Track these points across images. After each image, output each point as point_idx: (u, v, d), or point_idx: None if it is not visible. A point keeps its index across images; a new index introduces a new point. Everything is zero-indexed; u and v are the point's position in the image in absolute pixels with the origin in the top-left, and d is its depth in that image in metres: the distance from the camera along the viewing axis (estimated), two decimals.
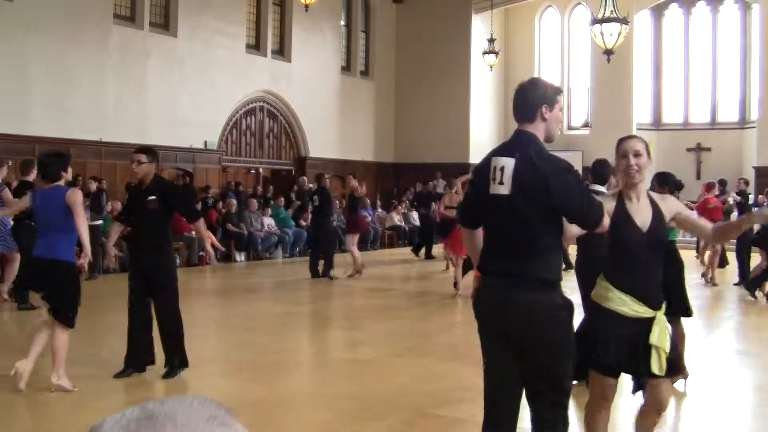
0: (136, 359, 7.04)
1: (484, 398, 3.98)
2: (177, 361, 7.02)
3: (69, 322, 6.50)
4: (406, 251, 20.86)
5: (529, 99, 3.82)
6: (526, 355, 3.72)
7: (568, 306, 3.72)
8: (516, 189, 3.64)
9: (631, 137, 4.33)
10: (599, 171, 7.14)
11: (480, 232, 4.00)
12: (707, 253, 15.22)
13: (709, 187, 15.04)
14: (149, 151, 7.13)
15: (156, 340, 7.10)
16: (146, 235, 7.05)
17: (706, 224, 4.37)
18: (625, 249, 4.13)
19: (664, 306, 4.13)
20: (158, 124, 18.58)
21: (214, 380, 7.20)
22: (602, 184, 7.02)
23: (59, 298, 6.51)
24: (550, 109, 3.80)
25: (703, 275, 14.73)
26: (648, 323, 4.04)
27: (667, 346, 4.02)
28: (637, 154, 4.14)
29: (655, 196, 4.27)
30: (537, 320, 3.65)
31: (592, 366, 4.15)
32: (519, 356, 3.73)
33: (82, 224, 6.49)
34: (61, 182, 6.63)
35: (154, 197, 6.94)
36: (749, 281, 13.05)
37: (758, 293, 12.71)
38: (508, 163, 3.68)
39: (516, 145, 3.79)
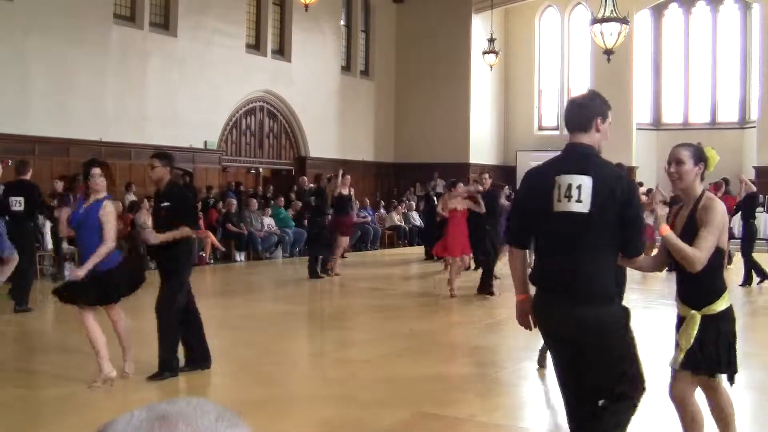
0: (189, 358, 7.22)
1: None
2: (164, 364, 6.89)
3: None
4: (405, 251, 20.82)
5: (588, 108, 3.91)
6: (589, 361, 3.86)
7: (627, 315, 3.89)
8: (596, 207, 3.74)
9: (679, 145, 4.39)
10: None
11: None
12: None
13: (717, 186, 15.07)
14: (163, 155, 7.10)
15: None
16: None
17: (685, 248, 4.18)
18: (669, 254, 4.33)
19: (714, 305, 4.23)
20: (158, 124, 18.59)
21: (215, 380, 7.20)
22: None
23: None
24: (602, 122, 3.90)
25: None
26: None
27: (684, 341, 4.21)
28: (678, 162, 4.25)
29: (705, 200, 4.25)
30: (603, 332, 3.81)
31: None
32: (582, 363, 3.88)
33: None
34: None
35: (168, 204, 6.92)
36: None
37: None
38: (585, 181, 3.76)
39: (580, 160, 3.84)
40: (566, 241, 3.82)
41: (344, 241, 15.50)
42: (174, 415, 0.97)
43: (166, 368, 6.88)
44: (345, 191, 15.25)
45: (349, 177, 15.56)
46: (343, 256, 15.72)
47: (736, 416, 4.44)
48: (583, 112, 3.90)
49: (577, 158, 3.87)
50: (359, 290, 13.99)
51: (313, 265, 14.95)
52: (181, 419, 0.96)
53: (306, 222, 17.29)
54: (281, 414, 6.12)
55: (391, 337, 9.40)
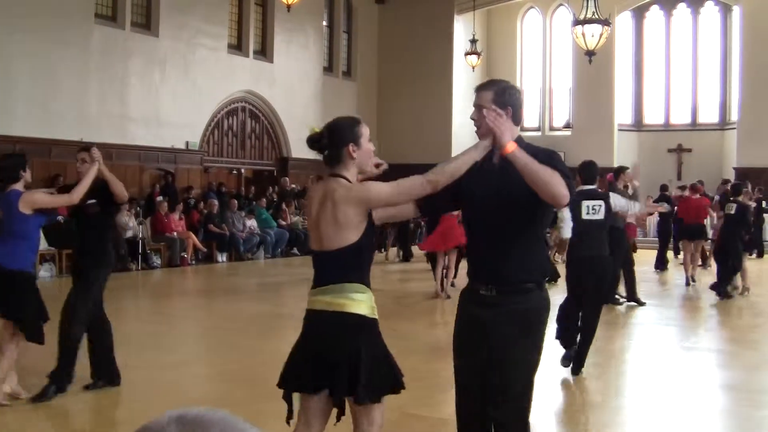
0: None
1: None
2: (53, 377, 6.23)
3: (36, 338, 6.05)
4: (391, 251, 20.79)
5: None
6: None
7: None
8: None
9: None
10: (587, 171, 7.48)
11: None
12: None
13: (692, 188, 15.37)
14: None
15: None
16: (87, 237, 6.49)
17: None
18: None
19: None
20: (140, 124, 18.51)
21: (198, 381, 7.17)
22: (591, 183, 7.35)
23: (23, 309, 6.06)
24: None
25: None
26: None
27: None
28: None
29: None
30: None
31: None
32: None
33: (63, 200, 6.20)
34: (20, 184, 6.12)
35: (94, 201, 6.34)
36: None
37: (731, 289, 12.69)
38: None
39: None
40: None
41: None
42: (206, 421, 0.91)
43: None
44: None
45: None
46: None
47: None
48: None
49: None
50: None
51: None
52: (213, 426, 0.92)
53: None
54: (268, 414, 6.10)
55: None
